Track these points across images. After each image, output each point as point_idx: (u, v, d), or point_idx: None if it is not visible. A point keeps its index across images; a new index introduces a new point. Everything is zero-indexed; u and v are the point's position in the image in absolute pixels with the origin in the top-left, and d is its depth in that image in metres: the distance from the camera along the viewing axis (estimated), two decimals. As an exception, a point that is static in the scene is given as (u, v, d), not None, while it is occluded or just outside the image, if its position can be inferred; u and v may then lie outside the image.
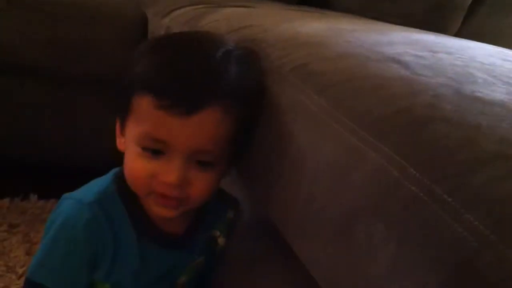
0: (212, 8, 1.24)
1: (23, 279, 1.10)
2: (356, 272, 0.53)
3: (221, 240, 0.91)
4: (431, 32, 1.12)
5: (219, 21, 1.08)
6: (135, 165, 0.74)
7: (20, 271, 1.17)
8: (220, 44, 0.76)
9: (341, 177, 0.57)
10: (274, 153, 0.73)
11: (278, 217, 0.75)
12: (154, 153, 0.72)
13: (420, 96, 0.58)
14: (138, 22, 1.49)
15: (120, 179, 0.80)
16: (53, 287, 0.79)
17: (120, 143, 0.79)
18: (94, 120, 1.54)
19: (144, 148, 0.72)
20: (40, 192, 1.48)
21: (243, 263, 0.91)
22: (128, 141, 0.75)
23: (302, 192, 0.64)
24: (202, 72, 0.71)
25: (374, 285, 0.51)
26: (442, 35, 1.15)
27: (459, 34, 1.72)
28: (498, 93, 0.59)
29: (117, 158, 0.79)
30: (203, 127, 0.70)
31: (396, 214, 0.49)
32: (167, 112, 0.68)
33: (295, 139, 0.67)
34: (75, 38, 1.45)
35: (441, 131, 0.51)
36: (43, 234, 0.81)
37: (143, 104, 0.70)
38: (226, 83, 0.71)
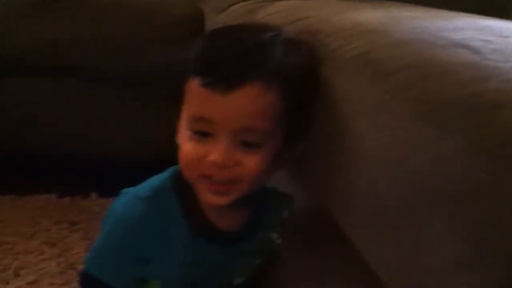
0: (268, 2, 1.22)
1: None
2: (419, 261, 0.51)
3: (279, 240, 0.90)
4: (497, 18, 1.07)
5: (275, 14, 1.06)
6: (186, 148, 0.74)
7: (81, 268, 1.18)
8: (271, 30, 0.77)
9: (405, 164, 0.54)
10: (332, 141, 0.71)
11: (335, 208, 0.73)
12: (202, 135, 0.73)
13: (491, 81, 0.55)
14: (194, 18, 1.49)
15: (177, 174, 0.80)
16: (105, 280, 0.80)
17: (179, 136, 0.79)
18: (144, 118, 1.54)
19: (194, 132, 0.73)
20: (100, 191, 1.49)
21: (298, 254, 0.88)
22: (182, 128, 0.76)
23: (361, 180, 0.62)
24: (245, 51, 0.72)
25: (439, 276, 0.48)
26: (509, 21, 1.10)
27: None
28: None
29: (172, 154, 0.79)
30: (243, 103, 0.70)
31: (463, 201, 0.47)
32: (210, 89, 0.70)
33: (356, 126, 0.65)
34: (123, 36, 1.46)
35: (513, 117, 0.48)
36: (100, 228, 0.82)
37: (192, 87, 0.73)
38: (268, 61, 0.72)
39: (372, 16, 0.88)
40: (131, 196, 0.80)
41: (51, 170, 1.53)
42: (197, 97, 0.73)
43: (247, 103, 0.70)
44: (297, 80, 0.74)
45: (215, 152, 0.71)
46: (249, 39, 0.74)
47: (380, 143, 0.59)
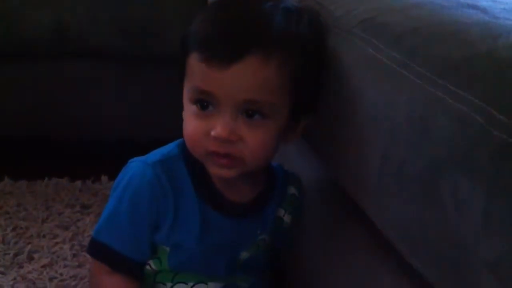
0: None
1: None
2: (441, 230, 0.50)
3: (287, 217, 0.90)
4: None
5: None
6: (190, 124, 0.74)
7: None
8: (273, 0, 0.75)
9: (420, 129, 0.53)
10: (343, 113, 0.70)
11: (349, 181, 0.72)
12: (204, 108, 0.72)
13: (502, 39, 0.54)
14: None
15: (184, 145, 0.80)
16: (116, 247, 0.80)
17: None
18: (159, 99, 1.54)
19: (196, 101, 0.73)
20: (111, 174, 1.49)
21: (317, 233, 0.88)
22: (184, 102, 0.76)
23: (377, 151, 0.61)
24: (242, 22, 0.72)
25: (461, 243, 0.47)
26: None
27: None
28: None
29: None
30: (244, 76, 0.69)
31: (483, 165, 0.45)
32: (210, 63, 0.69)
33: (366, 96, 0.64)
34: (140, 18, 1.45)
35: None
36: (110, 197, 0.82)
37: (191, 61, 0.73)
38: (267, 32, 0.71)
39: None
40: (139, 162, 0.80)
41: (62, 154, 1.54)
42: (197, 72, 0.72)
43: (247, 76, 0.69)
44: (300, 50, 0.73)
45: (218, 127, 0.70)
46: (248, 11, 0.74)
47: (395, 109, 0.58)
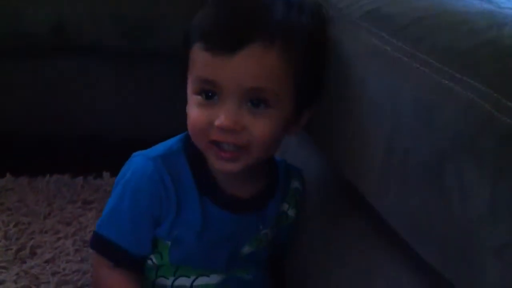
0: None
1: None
2: (447, 217, 0.50)
3: (291, 212, 0.90)
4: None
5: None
6: (194, 114, 0.74)
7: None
8: None
9: (426, 117, 0.53)
10: (346, 103, 0.70)
11: (353, 172, 0.72)
12: (208, 98, 0.72)
13: (507, 27, 0.54)
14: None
15: (187, 139, 0.80)
16: (117, 241, 0.80)
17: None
18: (158, 95, 1.54)
19: (200, 91, 0.73)
20: (112, 170, 1.49)
21: (321, 226, 0.88)
22: (188, 95, 0.76)
23: (381, 140, 0.61)
24: (245, 11, 0.73)
25: (467, 230, 0.47)
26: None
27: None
28: None
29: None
30: (247, 64, 0.70)
31: (490, 150, 0.46)
32: (213, 52, 0.70)
33: (369, 85, 0.64)
34: (139, 14, 1.44)
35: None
36: (112, 191, 0.83)
37: (195, 52, 0.73)
38: (268, 21, 0.72)
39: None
40: (141, 157, 0.81)
41: (63, 151, 1.54)
42: (201, 62, 0.72)
43: (252, 63, 0.70)
44: (301, 39, 0.73)
45: (222, 116, 0.70)
46: (250, 1, 0.75)
47: (400, 98, 0.58)
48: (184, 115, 0.77)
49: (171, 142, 0.82)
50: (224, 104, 0.71)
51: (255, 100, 0.71)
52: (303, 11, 0.75)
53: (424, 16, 0.61)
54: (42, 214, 1.29)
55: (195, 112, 0.74)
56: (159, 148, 0.82)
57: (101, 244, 0.82)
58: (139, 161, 0.81)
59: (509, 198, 0.44)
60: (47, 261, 1.13)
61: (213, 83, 0.71)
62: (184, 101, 0.78)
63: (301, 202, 0.91)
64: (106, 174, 1.49)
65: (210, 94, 0.72)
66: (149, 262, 0.83)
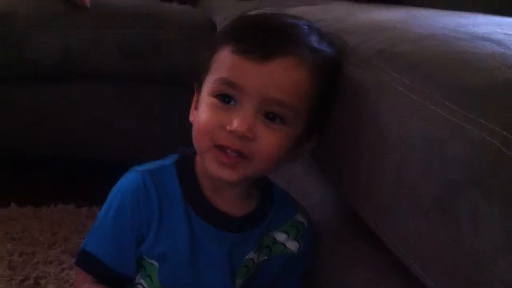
0: (280, 9, 1.23)
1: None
2: (457, 248, 0.51)
3: (291, 244, 0.87)
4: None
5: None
6: (205, 115, 0.74)
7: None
8: (305, 19, 0.80)
9: (435, 150, 0.54)
10: (356, 133, 0.71)
11: (360, 201, 0.72)
12: (226, 102, 0.72)
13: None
14: (206, 28, 1.50)
15: (182, 154, 0.81)
16: (100, 257, 0.80)
17: (192, 115, 0.80)
18: (163, 118, 1.57)
19: (218, 95, 0.73)
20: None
21: (324, 257, 0.88)
22: (202, 97, 0.76)
23: (389, 170, 0.62)
24: (281, 24, 0.75)
25: (478, 262, 0.48)
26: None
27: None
28: None
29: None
30: (276, 74, 0.71)
31: (500, 187, 0.47)
32: (244, 56, 0.71)
33: (379, 118, 0.65)
34: (143, 43, 1.48)
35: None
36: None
37: (223, 54, 0.74)
38: (305, 41, 0.73)
39: (390, 14, 0.89)
40: (132, 171, 0.81)
41: (67, 177, 1.55)
42: (229, 64, 0.73)
43: (279, 74, 0.71)
44: (328, 68, 0.75)
45: (238, 120, 0.70)
46: (286, 19, 0.77)
47: (409, 131, 0.59)
48: (185, 141, 0.79)
49: (167, 157, 0.83)
50: (241, 109, 0.71)
51: (271, 114, 0.72)
52: (332, 45, 0.77)
53: (436, 56, 0.63)
54: (46, 244, 1.29)
55: (207, 113, 0.73)
56: (154, 162, 0.82)
57: (83, 260, 0.82)
58: (129, 175, 0.81)
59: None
60: (51, 292, 1.12)
61: (235, 86, 0.71)
62: (186, 125, 0.79)
63: (309, 238, 0.88)
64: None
65: (227, 99, 0.72)
66: (139, 287, 0.82)
